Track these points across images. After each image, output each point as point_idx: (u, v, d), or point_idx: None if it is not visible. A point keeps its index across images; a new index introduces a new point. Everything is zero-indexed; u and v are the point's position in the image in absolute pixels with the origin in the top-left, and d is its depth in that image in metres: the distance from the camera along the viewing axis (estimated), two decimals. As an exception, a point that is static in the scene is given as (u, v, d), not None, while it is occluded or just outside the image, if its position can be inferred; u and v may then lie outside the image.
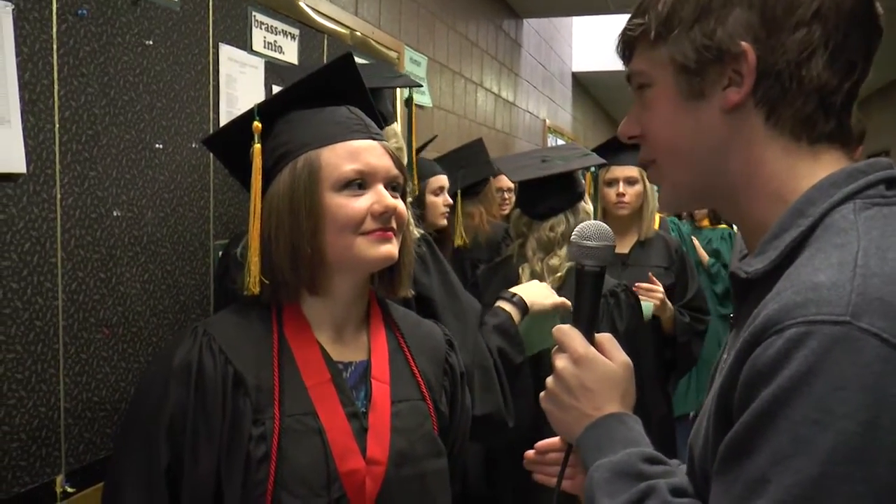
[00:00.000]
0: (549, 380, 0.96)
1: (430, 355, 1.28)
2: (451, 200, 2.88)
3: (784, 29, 0.76)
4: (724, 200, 0.85)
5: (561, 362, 0.94)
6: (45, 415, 1.40)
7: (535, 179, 2.24)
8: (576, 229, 0.99)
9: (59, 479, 1.43)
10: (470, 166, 3.18)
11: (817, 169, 0.79)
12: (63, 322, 1.44)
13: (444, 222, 2.88)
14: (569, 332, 0.96)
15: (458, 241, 3.04)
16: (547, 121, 7.04)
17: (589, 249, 0.97)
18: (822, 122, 0.79)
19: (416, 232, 1.77)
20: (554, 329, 0.97)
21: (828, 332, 0.62)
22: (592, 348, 0.94)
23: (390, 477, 1.13)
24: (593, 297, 0.98)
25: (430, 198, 2.83)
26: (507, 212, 3.95)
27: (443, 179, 2.87)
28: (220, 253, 1.84)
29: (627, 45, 0.88)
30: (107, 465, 1.38)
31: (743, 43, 0.77)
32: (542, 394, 0.97)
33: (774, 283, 0.73)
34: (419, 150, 2.99)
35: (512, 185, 4.01)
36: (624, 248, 2.88)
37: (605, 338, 0.97)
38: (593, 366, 0.93)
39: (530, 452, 1.08)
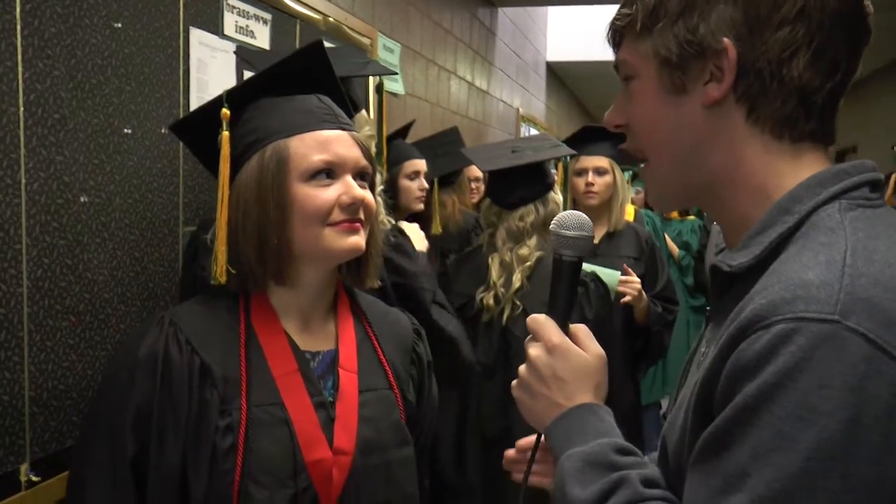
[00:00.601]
0: (522, 368, 0.95)
1: (397, 344, 1.28)
2: (426, 185, 2.86)
3: (767, 27, 0.76)
4: (706, 196, 0.85)
5: (534, 351, 0.93)
6: (9, 403, 1.38)
7: (506, 169, 2.25)
8: (555, 218, 0.99)
9: (24, 467, 1.42)
10: (447, 155, 3.17)
11: (798, 167, 0.79)
12: (28, 309, 1.41)
13: (421, 206, 2.85)
14: (543, 322, 0.94)
15: (435, 230, 3.03)
16: (520, 110, 7.05)
17: (567, 239, 0.97)
18: (804, 122, 0.79)
19: (388, 221, 1.77)
20: (529, 318, 0.97)
21: (815, 330, 0.63)
22: (567, 338, 0.93)
23: (357, 466, 1.13)
24: (569, 287, 0.98)
25: (404, 182, 2.81)
26: (476, 201, 3.95)
27: (418, 164, 2.85)
28: (188, 238, 1.82)
29: (616, 34, 0.88)
30: (72, 454, 1.37)
31: (725, 39, 0.77)
32: (513, 382, 0.96)
33: (757, 277, 0.73)
34: (399, 133, 2.97)
35: (482, 175, 4.01)
36: (594, 238, 2.90)
37: (579, 328, 0.96)
38: (567, 356, 0.92)
39: (510, 451, 1.07)
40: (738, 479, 0.64)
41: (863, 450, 0.61)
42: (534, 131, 7.63)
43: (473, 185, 3.93)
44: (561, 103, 9.89)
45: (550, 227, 1.00)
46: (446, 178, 3.18)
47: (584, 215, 0.99)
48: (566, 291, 0.97)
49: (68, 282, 1.50)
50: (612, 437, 0.87)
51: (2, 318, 1.36)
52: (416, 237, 2.07)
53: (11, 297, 1.38)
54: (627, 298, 2.65)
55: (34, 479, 1.43)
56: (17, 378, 1.39)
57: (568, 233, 0.97)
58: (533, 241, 2.25)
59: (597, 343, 0.96)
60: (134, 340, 1.14)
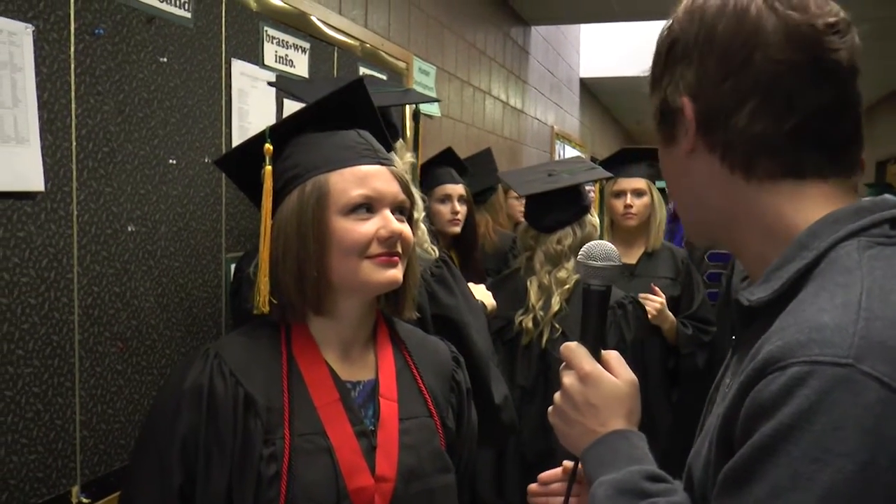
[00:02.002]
0: (557, 395, 0.97)
1: (436, 371, 1.30)
2: (459, 208, 2.90)
3: (714, 81, 0.82)
4: (722, 235, 0.90)
5: (568, 379, 0.96)
6: (62, 427, 1.43)
7: (542, 193, 2.27)
8: (582, 249, 1.02)
9: (75, 489, 1.46)
10: (475, 174, 3.20)
11: (801, 204, 0.81)
12: (79, 336, 1.46)
13: (455, 230, 2.90)
14: (576, 350, 0.97)
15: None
16: (555, 127, 7.06)
17: (595, 269, 1.00)
18: (770, 162, 0.81)
19: (432, 250, 1.79)
20: (562, 347, 1.00)
21: (830, 373, 0.64)
22: (598, 366, 0.96)
23: (399, 493, 1.14)
24: (599, 315, 1.00)
25: (434, 206, 2.87)
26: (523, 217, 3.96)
27: (448, 188, 2.90)
28: (234, 269, 1.86)
29: None
30: (121, 476, 1.41)
31: (682, 98, 0.85)
32: (549, 409, 0.98)
33: (777, 312, 0.75)
34: (435, 160, 3.02)
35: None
36: (631, 258, 2.90)
37: (611, 355, 0.98)
38: (599, 383, 0.94)
39: (534, 486, 1.11)
40: None
41: (878, 491, 0.62)
42: (569, 148, 7.63)
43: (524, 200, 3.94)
44: (595, 119, 9.87)
45: (578, 258, 1.03)
46: (479, 197, 3.20)
47: (610, 245, 1.02)
48: (596, 319, 1.00)
49: (116, 309, 1.55)
50: (644, 463, 0.89)
51: (55, 344, 1.41)
52: (483, 295, 2.11)
53: (64, 324, 1.43)
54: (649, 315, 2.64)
55: (84, 500, 1.48)
56: (68, 403, 1.44)
57: (595, 263, 1.00)
58: (571, 264, 2.26)
59: (629, 369, 0.98)
60: (180, 373, 1.17)
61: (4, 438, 1.32)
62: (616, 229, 2.97)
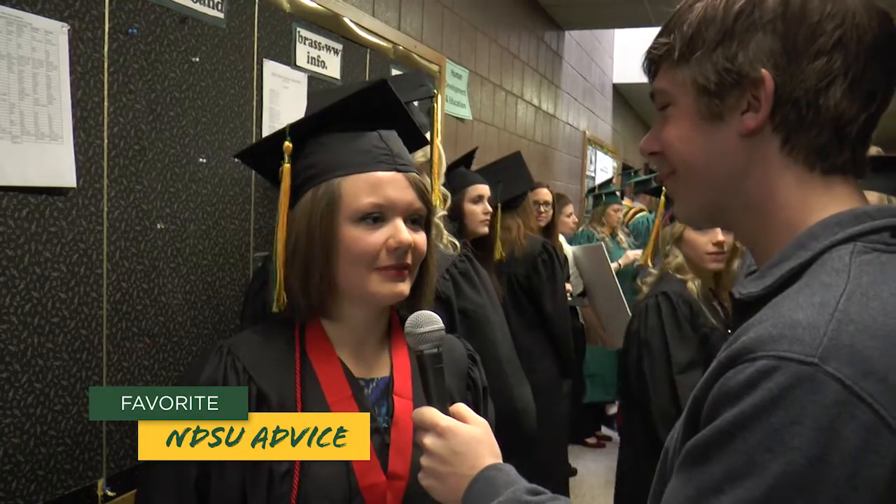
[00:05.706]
0: (423, 459, 1.03)
1: (451, 369, 1.28)
2: (490, 209, 2.93)
3: (804, 57, 0.77)
4: (736, 222, 0.87)
5: (428, 440, 1.02)
6: (89, 421, 1.44)
7: None
8: (407, 320, 1.08)
9: (101, 482, 1.48)
10: (509, 179, 3.21)
11: (828, 201, 0.80)
12: (107, 331, 1.48)
13: (485, 230, 2.93)
14: (426, 412, 1.04)
15: (497, 254, 3.08)
16: (587, 132, 7.02)
17: (423, 335, 1.07)
18: (836, 153, 0.79)
19: (451, 243, 1.78)
20: (413, 414, 1.07)
21: (794, 370, 0.65)
22: (451, 419, 1.03)
23: (412, 491, 1.14)
24: (437, 375, 1.07)
25: (468, 206, 2.88)
26: (543, 224, 3.95)
27: (481, 188, 2.92)
28: (258, 266, 1.87)
29: (652, 63, 0.90)
30: (138, 477, 1.42)
31: (763, 70, 0.78)
32: (419, 474, 1.04)
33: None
34: (462, 161, 3.02)
35: (549, 199, 4.01)
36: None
37: (458, 407, 1.06)
38: (457, 432, 1.02)
39: None
40: (711, 494, 0.68)
41: (828, 487, 0.63)
42: (600, 154, 7.58)
43: (542, 208, 3.94)
44: (627, 125, 9.80)
45: (406, 329, 1.09)
46: (510, 202, 3.21)
47: (431, 312, 1.09)
48: (436, 379, 1.07)
49: (144, 305, 1.57)
50: (520, 484, 0.96)
51: (84, 339, 1.43)
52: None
53: (92, 319, 1.45)
54: None
55: (110, 493, 1.50)
56: (95, 397, 1.46)
57: (421, 329, 1.07)
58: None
59: (476, 414, 1.06)
60: (195, 369, 1.18)
61: (34, 430, 1.34)
62: None
